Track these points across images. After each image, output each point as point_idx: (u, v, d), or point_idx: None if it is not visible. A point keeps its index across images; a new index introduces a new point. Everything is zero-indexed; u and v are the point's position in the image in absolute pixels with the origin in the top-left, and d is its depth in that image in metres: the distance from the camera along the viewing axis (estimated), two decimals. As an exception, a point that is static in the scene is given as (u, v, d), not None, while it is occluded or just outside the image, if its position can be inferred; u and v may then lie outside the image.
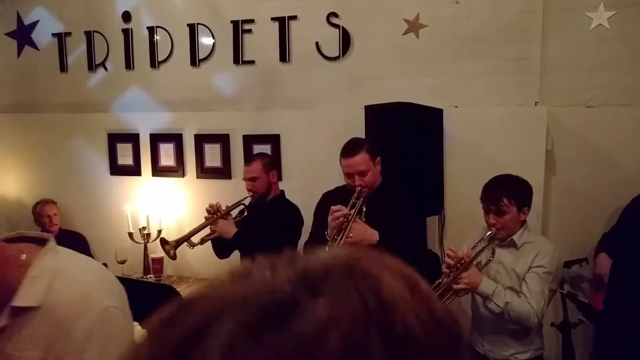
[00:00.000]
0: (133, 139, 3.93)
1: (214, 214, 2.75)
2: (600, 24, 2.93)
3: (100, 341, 1.11)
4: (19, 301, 1.09)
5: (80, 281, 1.17)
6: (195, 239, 2.78)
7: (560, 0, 2.98)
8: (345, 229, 2.21)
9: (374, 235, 2.23)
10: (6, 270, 1.11)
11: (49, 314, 1.10)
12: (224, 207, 2.81)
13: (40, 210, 3.79)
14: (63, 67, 4.10)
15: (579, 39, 2.98)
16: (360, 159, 2.33)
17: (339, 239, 2.19)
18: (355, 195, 2.31)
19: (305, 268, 0.36)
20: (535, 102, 3.07)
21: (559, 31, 3.01)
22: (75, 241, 3.85)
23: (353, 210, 2.26)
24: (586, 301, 2.69)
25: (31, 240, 1.21)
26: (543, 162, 2.98)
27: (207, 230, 2.84)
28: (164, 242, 2.88)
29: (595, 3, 2.92)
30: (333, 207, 2.27)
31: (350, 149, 2.38)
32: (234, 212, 2.90)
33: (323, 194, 2.56)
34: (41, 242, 1.21)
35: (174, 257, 2.86)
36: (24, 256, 1.15)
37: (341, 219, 2.22)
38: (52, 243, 1.21)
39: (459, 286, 2.06)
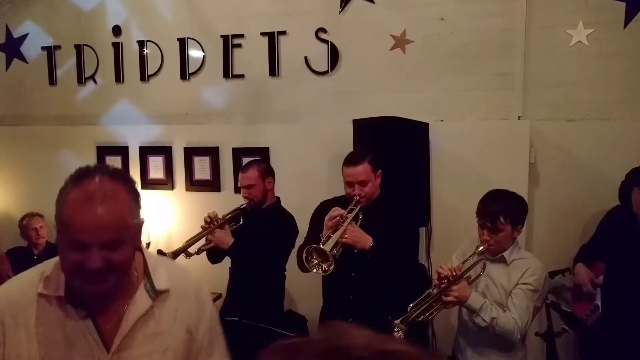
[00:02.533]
0: (122, 151, 3.93)
1: (211, 223, 2.75)
2: (579, 41, 3.03)
3: (217, 315, 1.34)
4: (157, 284, 1.22)
5: (188, 271, 1.37)
6: (192, 249, 2.77)
7: (541, 18, 3.08)
8: (339, 229, 2.24)
9: (368, 239, 2.27)
10: (131, 265, 1.21)
11: (180, 295, 1.24)
12: (220, 217, 2.80)
13: (26, 224, 3.76)
14: (52, 80, 4.11)
15: (560, 55, 3.08)
16: (362, 169, 2.37)
17: (333, 236, 2.21)
18: (353, 203, 2.36)
19: None
20: (519, 117, 3.16)
21: (541, 48, 3.10)
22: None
23: (350, 214, 2.31)
24: (569, 311, 2.75)
25: None
26: (526, 175, 3.06)
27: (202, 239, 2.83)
28: (160, 253, 2.85)
29: (574, 21, 3.02)
30: (333, 208, 2.32)
31: (354, 158, 2.43)
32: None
33: (321, 202, 2.58)
34: None
35: None
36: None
37: (337, 218, 2.26)
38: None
39: (449, 299, 2.07)
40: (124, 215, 1.09)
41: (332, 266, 2.18)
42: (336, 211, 2.29)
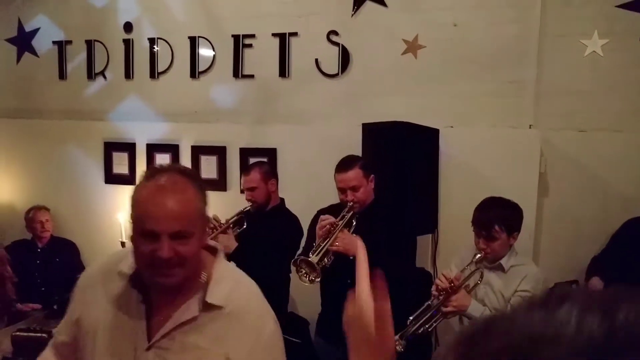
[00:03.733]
0: (129, 148, 3.93)
1: (214, 228, 2.74)
2: (594, 51, 3.00)
3: (280, 348, 1.27)
4: (211, 297, 1.18)
5: (257, 292, 1.29)
6: None
7: (555, 26, 3.05)
8: (330, 237, 2.22)
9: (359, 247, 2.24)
10: (199, 267, 1.22)
11: (235, 317, 1.19)
12: (223, 220, 2.79)
13: (32, 216, 3.76)
14: (62, 75, 4.11)
15: (573, 65, 3.04)
16: (353, 175, 2.36)
17: (323, 245, 2.20)
18: (346, 209, 2.34)
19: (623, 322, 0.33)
20: (530, 125, 3.12)
21: (554, 56, 3.07)
22: (67, 249, 3.83)
23: (341, 221, 2.29)
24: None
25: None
26: (536, 184, 3.03)
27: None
28: None
29: (589, 31, 2.99)
30: (321, 217, 2.31)
31: (344, 164, 2.43)
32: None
33: (317, 211, 2.58)
34: (212, 251, 1.30)
35: None
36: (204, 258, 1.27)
37: (328, 227, 2.25)
38: (222, 253, 1.30)
39: (448, 309, 2.08)
40: (192, 208, 1.15)
41: (319, 277, 2.19)
42: (326, 220, 2.27)
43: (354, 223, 2.34)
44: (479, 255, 2.17)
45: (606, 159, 3.02)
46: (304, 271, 2.22)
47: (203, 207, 1.19)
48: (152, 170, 1.20)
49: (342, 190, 2.39)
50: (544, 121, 3.11)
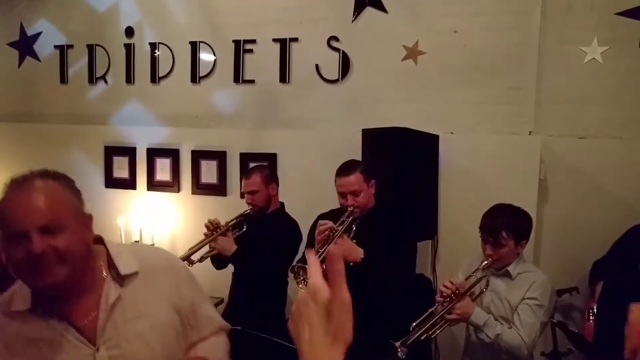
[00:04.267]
0: (130, 152, 3.94)
1: (214, 230, 2.73)
2: (593, 58, 3.00)
3: (193, 277, 1.39)
4: (124, 269, 1.23)
5: (151, 246, 1.37)
6: (195, 256, 2.75)
7: (555, 33, 3.05)
8: (329, 243, 2.21)
9: (359, 252, 2.23)
10: (91, 264, 1.22)
11: (151, 272, 1.27)
12: (222, 223, 2.79)
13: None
14: (63, 79, 4.13)
15: (573, 71, 3.05)
16: (354, 179, 2.36)
17: (322, 251, 2.18)
18: (346, 214, 2.33)
19: None
20: (530, 132, 3.13)
21: (554, 63, 3.08)
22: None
23: (340, 227, 2.28)
24: (576, 331, 2.69)
25: None
26: (536, 191, 3.02)
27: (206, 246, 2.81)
28: None
29: (589, 38, 2.99)
30: (320, 222, 2.29)
31: (345, 168, 2.42)
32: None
33: (318, 216, 2.58)
34: (99, 241, 1.32)
35: None
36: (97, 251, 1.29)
37: (327, 232, 2.24)
38: (105, 239, 1.32)
39: (452, 316, 2.06)
40: (57, 200, 1.14)
41: None
42: (324, 225, 2.26)
43: (354, 228, 2.33)
44: (485, 262, 2.15)
45: (606, 166, 3.02)
46: (301, 277, 2.19)
47: (75, 202, 1.18)
48: (14, 179, 1.16)
49: (342, 195, 2.39)
50: (544, 128, 3.11)
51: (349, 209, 2.34)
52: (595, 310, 2.69)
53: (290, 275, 2.40)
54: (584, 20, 3.01)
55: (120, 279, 1.22)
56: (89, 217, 1.22)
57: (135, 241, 2.74)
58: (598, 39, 2.98)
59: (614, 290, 2.22)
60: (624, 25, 2.94)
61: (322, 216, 2.54)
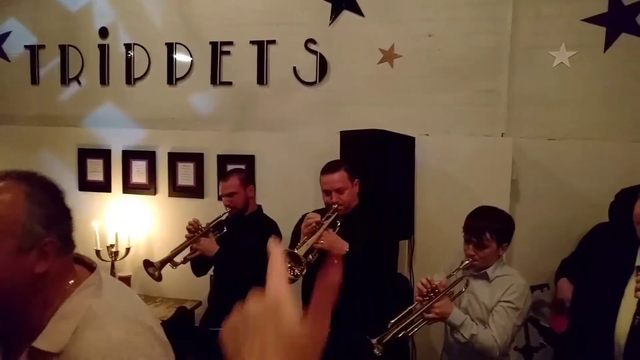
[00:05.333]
0: (104, 154, 3.88)
1: (195, 232, 2.73)
2: (562, 62, 3.12)
3: None
4: (40, 343, 0.94)
5: (109, 336, 0.97)
6: (178, 258, 2.74)
7: (525, 39, 3.16)
8: (315, 235, 2.26)
9: (344, 245, 2.30)
10: (51, 291, 0.98)
11: None
12: (203, 225, 2.79)
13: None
14: (34, 80, 4.03)
15: (543, 75, 3.16)
16: (339, 177, 2.42)
17: (308, 241, 2.23)
18: (331, 210, 2.39)
19: None
20: (502, 134, 3.22)
21: (525, 67, 3.18)
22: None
23: (327, 220, 2.34)
24: (547, 326, 2.79)
25: (82, 263, 1.10)
26: (508, 191, 3.11)
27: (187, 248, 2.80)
28: (148, 264, 2.80)
29: (557, 43, 3.11)
30: (309, 214, 2.35)
31: (330, 167, 2.49)
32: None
33: (302, 215, 2.61)
34: (91, 268, 1.09)
35: (159, 279, 2.77)
36: (71, 282, 1.02)
37: (313, 224, 2.29)
38: (96, 275, 1.07)
39: (430, 315, 2.09)
40: None
41: (305, 270, 2.20)
42: (311, 218, 2.33)
43: (339, 224, 2.39)
44: (466, 262, 2.19)
45: (574, 166, 3.14)
46: (288, 265, 2.24)
47: (25, 219, 0.94)
48: None
49: (327, 192, 2.44)
50: (516, 129, 3.21)
51: (333, 206, 2.39)
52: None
53: None
54: (552, 26, 3.12)
55: (36, 350, 0.93)
56: (48, 243, 0.96)
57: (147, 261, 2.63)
58: (566, 44, 3.10)
59: (582, 288, 2.31)
60: (590, 31, 3.06)
61: (306, 215, 2.57)
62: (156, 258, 2.89)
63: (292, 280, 2.24)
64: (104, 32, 3.86)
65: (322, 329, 0.52)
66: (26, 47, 4.02)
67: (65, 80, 3.97)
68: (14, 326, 0.95)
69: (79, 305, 0.98)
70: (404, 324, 2.08)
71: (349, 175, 2.45)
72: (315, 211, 2.54)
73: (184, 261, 2.75)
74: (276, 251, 0.54)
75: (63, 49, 3.94)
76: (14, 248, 0.94)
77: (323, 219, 2.34)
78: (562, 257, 3.04)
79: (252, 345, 0.49)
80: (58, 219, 1.00)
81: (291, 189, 3.43)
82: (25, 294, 0.95)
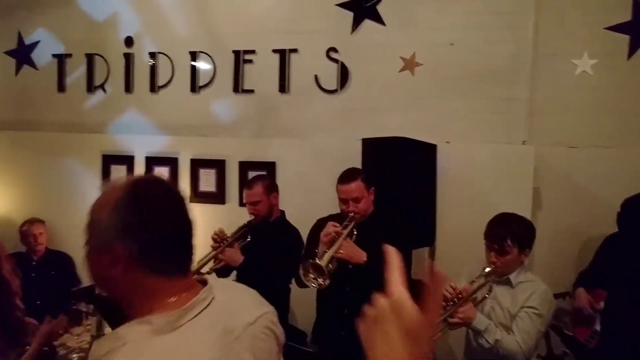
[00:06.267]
0: (128, 161, 3.95)
1: (221, 242, 2.76)
2: (584, 70, 3.12)
3: None
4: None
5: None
6: (204, 269, 2.76)
7: (547, 47, 3.17)
8: (335, 245, 2.32)
9: (362, 255, 2.36)
10: (136, 299, 0.96)
11: None
12: (227, 234, 2.82)
13: (26, 230, 3.74)
14: (61, 87, 4.13)
15: (565, 83, 3.16)
16: (355, 187, 2.48)
17: (329, 252, 2.29)
18: (348, 219, 2.45)
19: None
20: (523, 141, 3.22)
21: (546, 75, 3.19)
22: (62, 262, 3.81)
23: (345, 230, 2.39)
24: (571, 334, 2.77)
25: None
26: (530, 199, 3.11)
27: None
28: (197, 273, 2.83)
29: (580, 51, 3.11)
30: (330, 222, 2.42)
31: (347, 176, 2.54)
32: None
33: (317, 220, 2.67)
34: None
35: None
36: (173, 299, 0.97)
37: (333, 234, 2.35)
38: (193, 300, 0.98)
39: (454, 320, 2.10)
40: None
41: (328, 280, 2.27)
42: (331, 227, 2.38)
43: (355, 233, 2.44)
44: (488, 269, 2.19)
45: (597, 175, 3.13)
46: (311, 276, 2.30)
47: (106, 223, 0.94)
48: None
49: (344, 201, 2.50)
50: (537, 137, 3.21)
51: (350, 214, 2.44)
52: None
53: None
54: (575, 34, 3.13)
55: None
56: (117, 250, 0.93)
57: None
58: (588, 52, 3.10)
59: (613, 301, 2.30)
60: (613, 39, 3.06)
61: (321, 220, 2.61)
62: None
63: (320, 285, 2.29)
64: (129, 41, 3.95)
65: (434, 320, 0.64)
66: (54, 55, 4.13)
67: (90, 87, 4.06)
68: (129, 314, 0.97)
69: (130, 329, 0.93)
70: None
71: (365, 184, 2.51)
72: (330, 216, 2.57)
73: (209, 272, 2.76)
74: (395, 260, 0.64)
75: (89, 57, 4.04)
76: (94, 245, 0.99)
77: (342, 228, 2.38)
78: (583, 265, 3.02)
79: (382, 336, 0.60)
80: (138, 229, 0.95)
81: (312, 196, 3.45)
82: (119, 289, 0.97)
